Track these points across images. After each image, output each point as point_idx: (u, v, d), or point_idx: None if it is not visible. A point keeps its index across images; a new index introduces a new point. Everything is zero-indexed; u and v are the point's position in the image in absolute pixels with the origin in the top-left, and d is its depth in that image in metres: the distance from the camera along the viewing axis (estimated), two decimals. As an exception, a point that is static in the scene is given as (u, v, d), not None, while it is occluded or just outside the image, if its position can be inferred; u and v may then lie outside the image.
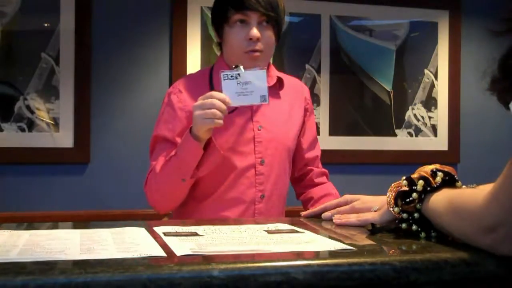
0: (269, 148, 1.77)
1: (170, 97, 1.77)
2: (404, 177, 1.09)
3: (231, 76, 1.53)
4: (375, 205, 1.20)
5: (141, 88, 2.87)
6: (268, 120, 1.78)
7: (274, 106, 1.80)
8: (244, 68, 1.56)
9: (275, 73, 1.84)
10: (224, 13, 1.70)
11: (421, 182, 1.05)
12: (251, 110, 1.77)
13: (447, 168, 1.07)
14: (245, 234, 1.08)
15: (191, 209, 1.78)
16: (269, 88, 1.74)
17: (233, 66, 1.58)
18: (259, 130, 1.76)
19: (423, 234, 1.05)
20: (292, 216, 1.48)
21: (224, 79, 1.54)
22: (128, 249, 0.91)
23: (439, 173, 1.05)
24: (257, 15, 1.68)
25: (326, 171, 1.96)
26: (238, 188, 1.75)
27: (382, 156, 3.19)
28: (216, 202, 1.75)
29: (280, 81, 1.84)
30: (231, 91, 1.53)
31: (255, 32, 1.67)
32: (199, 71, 1.97)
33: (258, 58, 1.70)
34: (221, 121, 1.53)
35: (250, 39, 1.68)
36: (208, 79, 1.79)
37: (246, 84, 1.53)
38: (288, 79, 1.89)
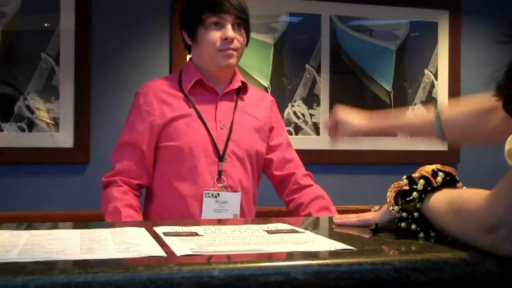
0: (230, 146, 1.81)
1: (138, 98, 1.85)
2: (404, 176, 1.10)
3: (211, 195, 1.77)
4: None
5: (141, 88, 2.86)
6: (230, 120, 1.84)
7: (238, 108, 1.87)
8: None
9: (239, 77, 1.91)
10: (199, 16, 1.79)
11: (421, 181, 1.05)
12: (215, 109, 1.83)
13: (448, 169, 1.07)
14: (245, 234, 1.08)
15: (155, 206, 1.83)
16: (234, 90, 1.88)
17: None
18: (221, 128, 1.82)
19: (421, 234, 1.05)
20: (284, 217, 1.48)
21: (205, 197, 1.76)
22: (128, 249, 0.91)
23: (440, 173, 1.05)
24: (232, 17, 1.78)
25: (310, 173, 1.97)
26: (200, 184, 1.78)
27: (382, 156, 3.19)
28: (178, 198, 1.78)
29: (244, 85, 1.91)
30: (210, 207, 1.75)
31: (230, 32, 1.78)
32: (169, 75, 2.02)
33: (233, 56, 1.80)
34: None
35: (226, 39, 1.77)
36: (178, 83, 1.86)
37: (223, 203, 1.76)
38: (253, 88, 2.01)
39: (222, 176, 1.78)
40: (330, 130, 1.54)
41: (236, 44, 1.79)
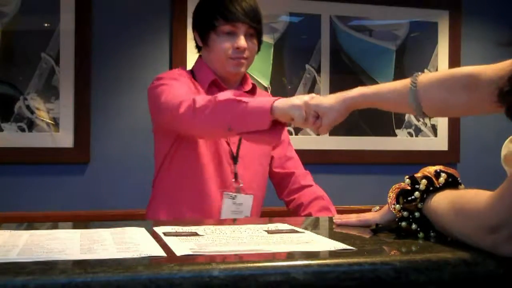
0: (242, 148, 1.81)
1: (163, 76, 1.80)
2: (407, 176, 1.10)
3: (230, 196, 1.80)
4: None
5: (141, 88, 2.85)
6: None
7: None
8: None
9: (250, 80, 1.92)
10: (212, 22, 1.78)
11: (424, 181, 1.05)
12: None
13: (450, 170, 1.07)
14: (245, 234, 1.08)
15: (170, 202, 1.81)
16: (245, 92, 1.85)
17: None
18: None
19: (421, 234, 1.05)
20: (284, 216, 1.48)
21: (225, 198, 1.79)
22: (128, 249, 0.91)
23: (443, 174, 1.05)
24: (245, 26, 1.77)
25: (309, 171, 1.98)
26: (213, 183, 1.78)
27: (382, 156, 3.19)
28: (191, 195, 1.78)
29: (254, 87, 1.92)
30: (228, 208, 1.78)
31: (243, 42, 1.77)
32: (179, 69, 2.01)
33: (243, 64, 1.81)
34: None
35: (238, 48, 1.77)
36: (193, 79, 1.85)
37: (239, 204, 1.79)
38: (260, 91, 2.00)
39: (238, 179, 1.79)
40: (312, 125, 1.45)
41: (247, 53, 1.79)
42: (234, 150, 1.80)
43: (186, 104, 1.58)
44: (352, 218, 1.22)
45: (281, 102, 1.44)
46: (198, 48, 1.90)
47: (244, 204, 1.78)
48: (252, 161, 1.84)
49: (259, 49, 1.87)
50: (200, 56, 1.91)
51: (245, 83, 1.89)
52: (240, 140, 1.81)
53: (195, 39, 1.89)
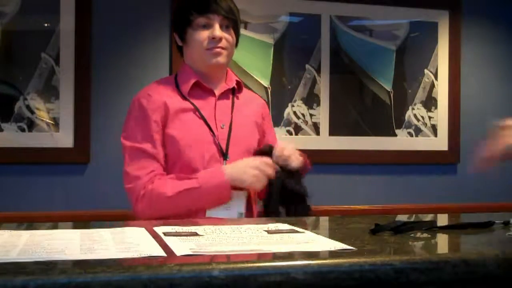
0: (231, 145, 1.82)
1: (140, 102, 1.83)
2: None
3: None
4: None
5: (141, 88, 2.86)
6: (229, 119, 1.85)
7: (235, 107, 1.88)
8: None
9: (234, 76, 1.92)
10: (188, 17, 1.81)
11: None
12: (214, 110, 1.84)
13: None
14: (245, 234, 1.08)
15: None
16: (230, 90, 1.89)
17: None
18: (222, 128, 1.83)
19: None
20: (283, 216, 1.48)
21: None
22: (128, 249, 0.91)
23: None
24: (219, 18, 1.80)
25: None
26: None
27: (382, 156, 3.19)
28: None
29: (238, 84, 1.92)
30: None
31: (217, 32, 1.79)
32: (163, 78, 2.04)
33: (221, 54, 1.81)
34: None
35: (213, 38, 1.79)
36: (175, 86, 1.86)
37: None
38: (247, 90, 2.01)
39: None
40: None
41: (224, 43, 1.81)
42: (224, 147, 1.81)
43: (141, 202, 1.73)
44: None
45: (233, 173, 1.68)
46: (179, 49, 1.92)
47: (235, 199, 1.77)
48: (242, 157, 1.84)
49: (237, 42, 1.89)
50: (183, 61, 1.92)
51: (228, 80, 1.90)
52: (229, 137, 1.82)
53: (175, 41, 1.91)
